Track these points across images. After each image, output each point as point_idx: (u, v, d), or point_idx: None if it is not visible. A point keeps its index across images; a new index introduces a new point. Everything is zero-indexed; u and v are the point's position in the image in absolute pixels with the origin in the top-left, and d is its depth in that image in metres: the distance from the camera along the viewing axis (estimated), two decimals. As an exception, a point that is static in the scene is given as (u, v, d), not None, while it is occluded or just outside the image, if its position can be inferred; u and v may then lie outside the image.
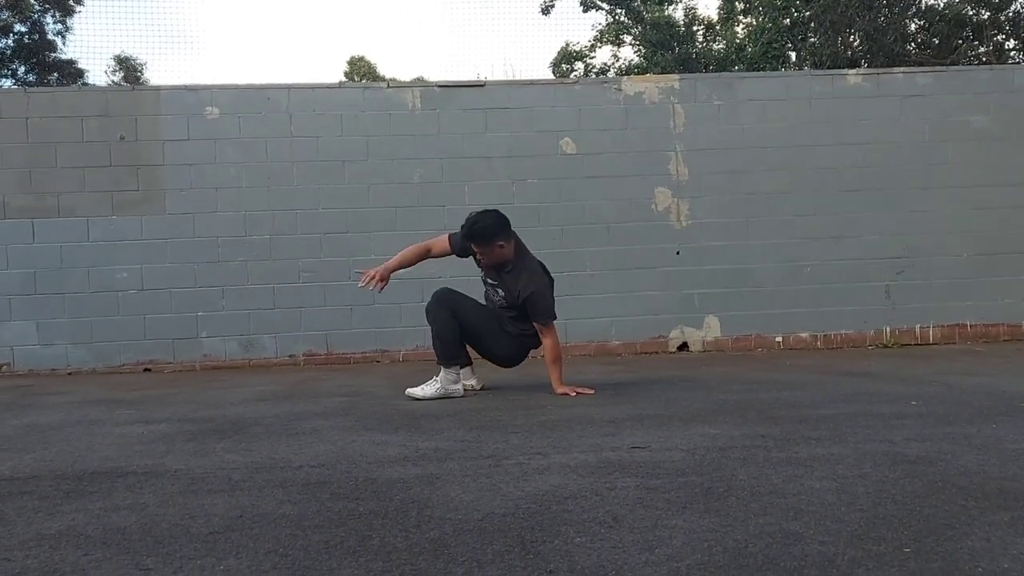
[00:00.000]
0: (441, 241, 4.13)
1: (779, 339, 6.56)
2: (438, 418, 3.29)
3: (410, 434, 2.91)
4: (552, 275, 4.20)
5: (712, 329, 6.55)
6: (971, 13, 14.45)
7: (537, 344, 4.11)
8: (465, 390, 4.08)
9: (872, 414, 3.08)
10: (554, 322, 4.02)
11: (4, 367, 6.11)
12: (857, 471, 2.13)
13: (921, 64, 12.79)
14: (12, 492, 2.18)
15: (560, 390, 3.91)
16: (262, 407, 3.83)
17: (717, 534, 1.62)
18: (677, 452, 2.44)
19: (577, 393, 3.86)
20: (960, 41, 14.83)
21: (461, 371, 4.11)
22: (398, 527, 1.74)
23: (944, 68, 7.29)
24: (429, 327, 4.04)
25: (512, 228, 4.05)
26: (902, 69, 6.99)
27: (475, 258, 4.06)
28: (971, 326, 6.63)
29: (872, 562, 1.44)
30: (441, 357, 3.98)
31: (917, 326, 6.62)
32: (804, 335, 6.58)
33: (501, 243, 3.96)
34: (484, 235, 3.93)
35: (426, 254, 4.18)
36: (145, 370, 6.18)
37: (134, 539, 1.71)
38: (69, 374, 6.08)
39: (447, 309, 3.96)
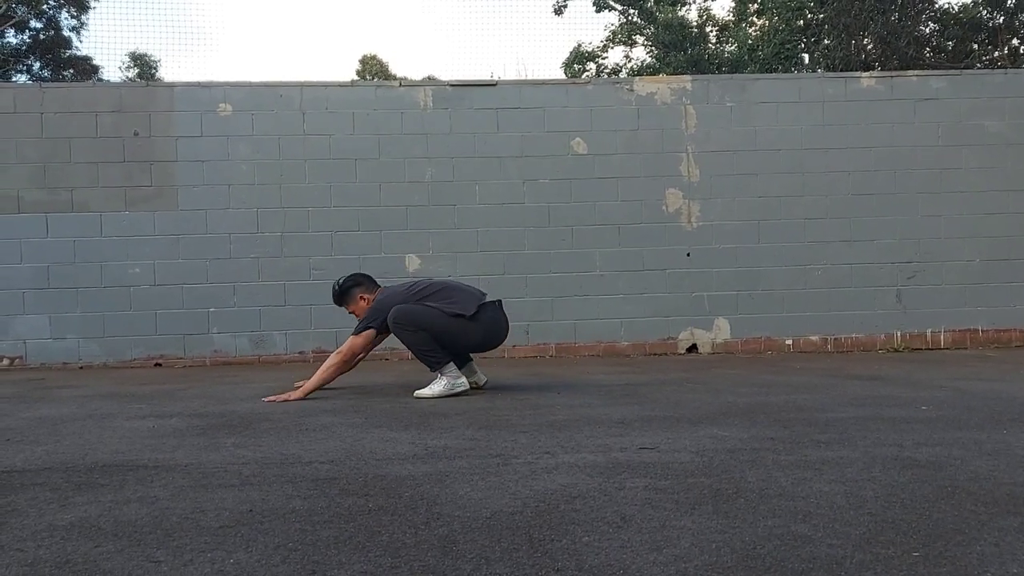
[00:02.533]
0: (356, 347, 4.07)
1: (789, 342, 6.54)
2: (446, 416, 3.29)
3: (419, 432, 2.92)
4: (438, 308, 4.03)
5: (722, 331, 6.54)
6: (986, 17, 14.37)
7: (496, 317, 4.11)
8: (471, 386, 4.10)
9: (882, 418, 3.07)
10: (362, 334, 4.00)
11: (16, 360, 6.16)
12: (866, 475, 2.12)
13: (935, 68, 12.73)
14: (24, 483, 2.20)
15: (293, 394, 3.93)
16: (271, 403, 3.85)
17: (725, 535, 1.62)
18: (686, 453, 2.44)
19: (278, 400, 3.90)
20: (975, 45, 14.75)
21: (463, 368, 4.14)
22: (407, 523, 1.74)
23: (958, 72, 7.25)
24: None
25: (375, 281, 4.32)
26: (916, 72, 6.96)
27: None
28: (983, 331, 6.60)
29: (881, 566, 1.44)
30: (429, 366, 4.00)
31: (928, 330, 6.59)
32: (814, 338, 6.56)
33: (362, 295, 4.22)
34: (338, 297, 4.27)
35: (360, 353, 4.17)
36: (156, 365, 6.22)
37: (145, 532, 1.72)
38: (80, 368, 6.12)
39: (408, 324, 3.95)
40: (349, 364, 4.10)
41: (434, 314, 3.96)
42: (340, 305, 4.33)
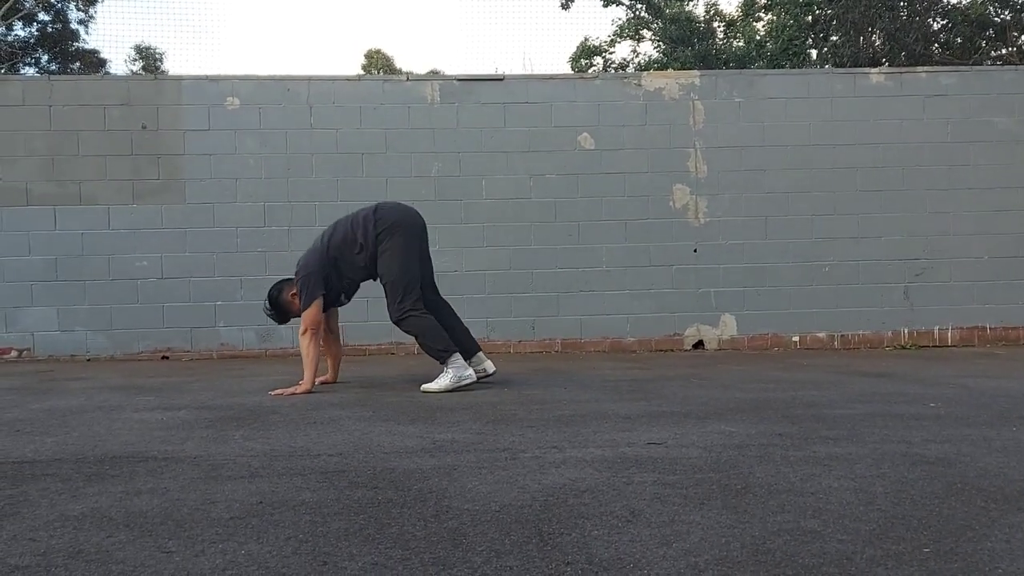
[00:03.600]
0: (314, 318, 4.10)
1: (796, 339, 6.53)
2: (453, 411, 3.30)
3: (426, 426, 2.93)
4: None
5: (728, 328, 6.53)
6: (995, 14, 14.31)
7: (386, 204, 4.24)
8: (478, 375, 4.14)
9: (890, 415, 3.06)
10: (312, 305, 4.03)
11: (25, 352, 6.18)
12: (875, 471, 2.12)
13: (944, 64, 12.67)
14: (35, 474, 2.21)
15: (299, 388, 3.96)
16: (279, 396, 3.86)
17: (735, 530, 1.62)
18: (694, 449, 2.44)
19: (284, 393, 3.92)
20: (983, 42, 14.68)
21: (471, 359, 4.16)
22: (416, 516, 1.75)
23: (968, 68, 7.21)
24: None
25: (290, 280, 4.21)
26: (925, 68, 6.92)
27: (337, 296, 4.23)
28: (990, 329, 6.57)
29: (891, 561, 1.44)
30: (437, 357, 4.03)
31: (936, 328, 6.57)
32: (821, 335, 6.54)
33: (292, 293, 4.15)
34: (280, 314, 4.23)
35: (324, 329, 4.28)
36: (163, 358, 6.24)
37: (156, 522, 1.73)
38: (88, 360, 6.14)
39: (411, 308, 4.03)
40: (319, 336, 4.11)
41: (396, 261, 4.01)
42: (286, 320, 4.28)
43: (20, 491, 2.02)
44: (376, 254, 4.05)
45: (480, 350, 4.30)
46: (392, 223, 4.06)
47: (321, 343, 4.43)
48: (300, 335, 4.06)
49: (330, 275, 4.08)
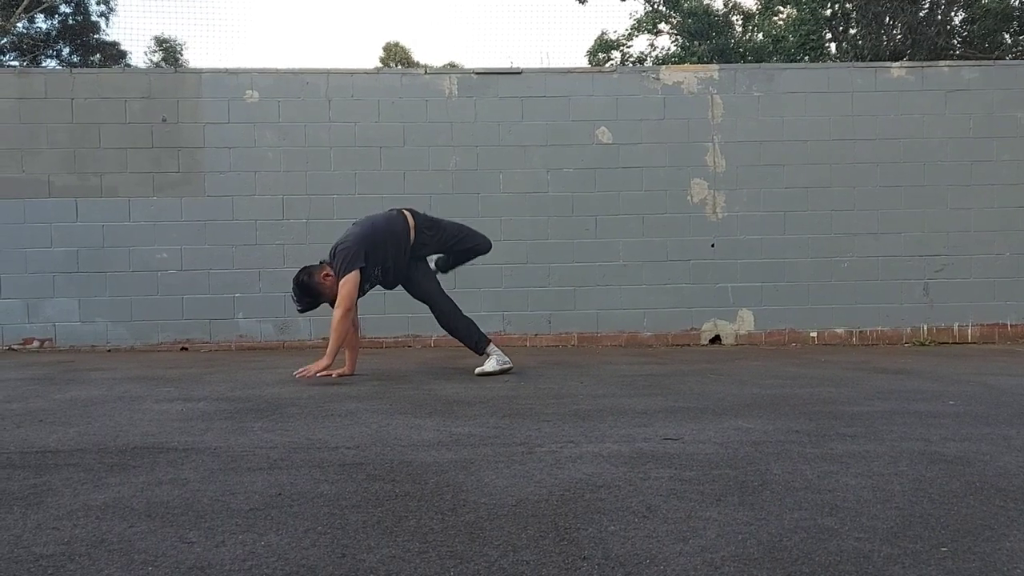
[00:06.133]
0: (351, 291, 4.07)
1: (813, 334, 6.50)
2: (470, 404, 3.31)
3: (443, 419, 2.94)
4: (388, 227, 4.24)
5: (745, 323, 6.50)
6: (1017, 7, 14.12)
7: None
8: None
9: (908, 412, 3.05)
10: (350, 275, 4.02)
11: (46, 342, 6.26)
12: (893, 469, 2.11)
13: (965, 58, 12.52)
14: (58, 464, 2.24)
15: (321, 362, 4.02)
16: (297, 388, 3.88)
17: (751, 527, 1.63)
18: (710, 445, 2.44)
19: (309, 371, 3.98)
20: (1006, 36, 14.50)
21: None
22: (434, 509, 1.76)
23: (991, 62, 7.12)
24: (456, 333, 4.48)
25: (321, 262, 4.19)
26: (947, 63, 6.84)
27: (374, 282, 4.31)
28: (1011, 326, 6.51)
29: (908, 560, 1.43)
30: (476, 345, 4.40)
31: (955, 325, 6.51)
32: (839, 331, 6.50)
33: (325, 274, 4.10)
34: (313, 296, 4.10)
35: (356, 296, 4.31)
36: (182, 349, 6.30)
37: (177, 513, 1.75)
38: (108, 351, 6.21)
39: (442, 309, 4.38)
40: (351, 317, 4.10)
41: (452, 231, 4.47)
42: (316, 304, 4.14)
43: (44, 481, 2.05)
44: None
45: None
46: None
47: None
48: (335, 309, 4.01)
49: (369, 254, 4.10)
